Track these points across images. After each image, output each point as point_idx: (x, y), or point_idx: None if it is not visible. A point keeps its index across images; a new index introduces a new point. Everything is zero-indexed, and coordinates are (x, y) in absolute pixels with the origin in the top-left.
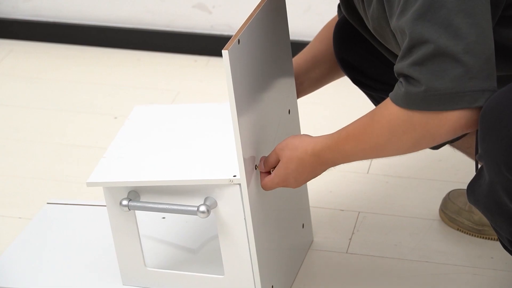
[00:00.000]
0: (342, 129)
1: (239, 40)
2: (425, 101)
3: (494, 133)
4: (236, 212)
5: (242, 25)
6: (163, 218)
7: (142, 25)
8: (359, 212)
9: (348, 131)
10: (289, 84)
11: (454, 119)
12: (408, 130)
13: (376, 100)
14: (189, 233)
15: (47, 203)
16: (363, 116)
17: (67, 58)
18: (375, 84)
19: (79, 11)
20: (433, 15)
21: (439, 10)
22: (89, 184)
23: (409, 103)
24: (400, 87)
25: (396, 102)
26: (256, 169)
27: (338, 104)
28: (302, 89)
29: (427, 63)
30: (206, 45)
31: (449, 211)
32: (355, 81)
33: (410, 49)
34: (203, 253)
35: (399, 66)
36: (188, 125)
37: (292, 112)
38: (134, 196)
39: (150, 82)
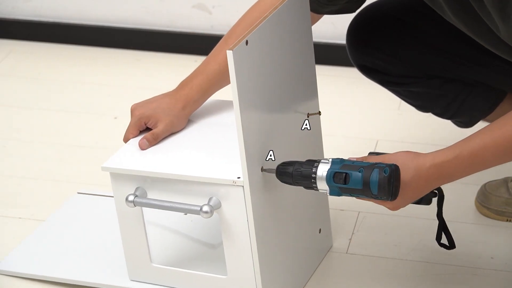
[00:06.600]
0: (465, 142)
1: (247, 41)
2: None
3: None
4: (239, 213)
5: (253, 26)
6: (185, 215)
7: (142, 25)
8: (359, 212)
9: (485, 141)
10: (308, 88)
11: None
12: None
13: (402, 94)
14: (199, 232)
15: (78, 192)
16: (502, 119)
17: (67, 58)
18: (399, 79)
19: (79, 11)
20: None
21: None
22: (104, 169)
23: None
24: None
25: None
26: (262, 171)
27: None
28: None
29: None
30: (206, 45)
31: (494, 205)
32: (381, 82)
33: None
34: (212, 252)
35: None
36: (212, 119)
37: (313, 116)
38: (141, 193)
39: (150, 82)
